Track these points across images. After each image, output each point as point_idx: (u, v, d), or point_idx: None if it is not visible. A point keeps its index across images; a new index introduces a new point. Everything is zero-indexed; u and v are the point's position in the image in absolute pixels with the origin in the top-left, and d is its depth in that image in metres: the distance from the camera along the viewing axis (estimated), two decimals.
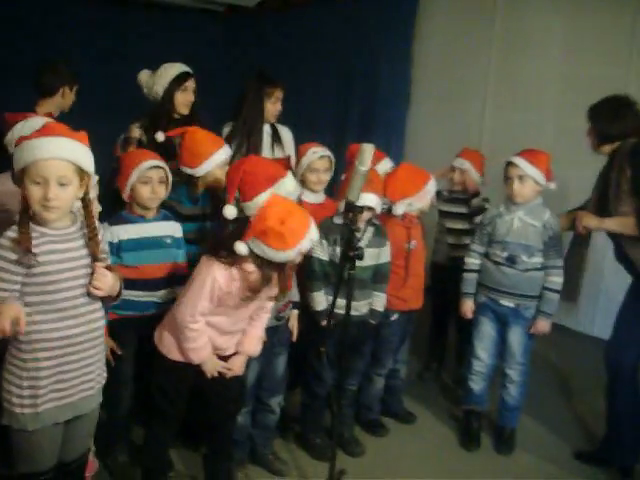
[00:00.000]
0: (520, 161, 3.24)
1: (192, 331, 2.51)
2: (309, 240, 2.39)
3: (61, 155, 1.97)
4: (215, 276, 2.42)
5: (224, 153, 3.06)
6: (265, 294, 2.50)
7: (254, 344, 2.73)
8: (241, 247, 2.35)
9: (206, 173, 3.00)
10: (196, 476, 3.01)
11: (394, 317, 3.37)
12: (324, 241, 3.05)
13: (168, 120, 3.59)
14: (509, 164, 3.29)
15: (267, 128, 3.92)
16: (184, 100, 3.66)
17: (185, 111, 3.68)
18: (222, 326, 2.59)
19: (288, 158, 3.50)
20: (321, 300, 3.08)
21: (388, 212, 3.34)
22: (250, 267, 2.42)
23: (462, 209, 4.06)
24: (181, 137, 3.08)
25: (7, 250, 1.95)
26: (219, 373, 2.67)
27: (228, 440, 2.91)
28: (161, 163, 2.82)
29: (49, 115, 2.98)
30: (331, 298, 2.74)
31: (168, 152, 3.10)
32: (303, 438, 3.36)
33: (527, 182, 3.23)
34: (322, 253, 3.06)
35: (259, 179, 2.63)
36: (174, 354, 2.61)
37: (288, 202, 2.46)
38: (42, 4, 6.90)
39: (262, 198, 2.53)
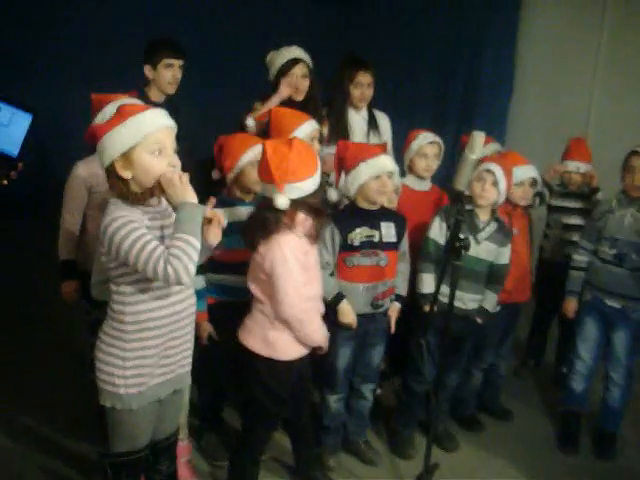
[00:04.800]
0: None
1: (306, 313, 2.45)
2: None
3: (169, 124, 2.01)
4: (289, 246, 2.37)
5: (309, 127, 3.03)
6: None
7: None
8: (280, 200, 2.30)
9: None
10: (287, 461, 3.03)
11: (496, 309, 3.26)
12: (444, 224, 3.00)
13: (283, 103, 3.50)
14: (634, 154, 3.12)
15: (364, 113, 3.85)
16: (292, 87, 3.57)
17: (297, 97, 3.59)
18: (317, 295, 2.55)
19: (384, 145, 3.44)
20: (429, 283, 3.02)
21: None
22: (300, 216, 2.38)
23: (578, 204, 3.88)
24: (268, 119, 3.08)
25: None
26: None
27: (311, 426, 2.88)
28: None
29: (132, 95, 2.97)
30: (445, 289, 2.67)
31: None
32: (393, 431, 3.32)
33: None
34: (439, 236, 3.01)
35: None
36: (292, 351, 2.51)
37: (274, 141, 2.42)
38: None
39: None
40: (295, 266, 2.38)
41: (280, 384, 2.54)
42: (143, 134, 1.93)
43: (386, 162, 2.83)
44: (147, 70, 3.45)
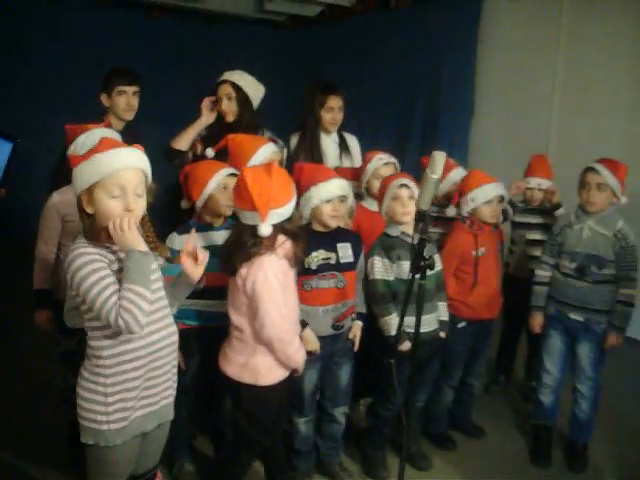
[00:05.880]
0: (602, 169, 3.13)
1: (287, 333, 2.44)
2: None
3: (137, 164, 1.99)
4: (270, 267, 2.38)
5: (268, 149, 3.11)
6: None
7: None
8: (264, 229, 2.32)
9: None
10: None
11: (461, 325, 3.29)
12: (386, 260, 2.97)
13: (221, 131, 3.54)
14: (589, 170, 3.18)
15: (335, 137, 3.90)
16: (225, 107, 3.64)
17: (230, 118, 3.64)
18: (293, 314, 2.55)
19: (358, 170, 3.49)
20: (395, 323, 2.84)
21: (459, 218, 3.33)
22: (280, 239, 2.40)
23: (540, 219, 3.94)
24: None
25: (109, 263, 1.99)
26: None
27: (283, 451, 2.87)
28: (236, 171, 2.85)
29: (107, 125, 3.00)
30: (408, 319, 2.61)
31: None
32: (365, 453, 3.30)
33: (605, 191, 3.13)
34: (386, 273, 2.97)
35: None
36: (274, 375, 2.50)
37: (252, 169, 2.45)
38: (103, 16, 7.17)
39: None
40: (277, 286, 2.39)
41: (264, 411, 2.54)
42: (101, 175, 1.93)
43: (338, 186, 2.84)
44: (104, 99, 3.49)
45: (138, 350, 2.04)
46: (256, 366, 2.47)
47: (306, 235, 2.59)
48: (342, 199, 2.85)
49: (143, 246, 1.98)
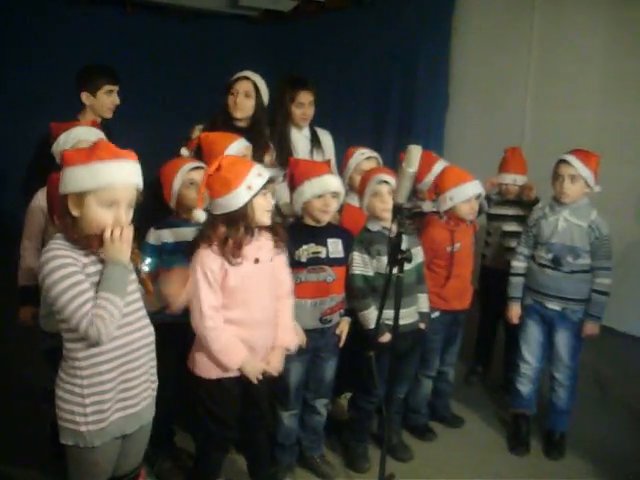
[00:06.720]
0: (574, 160, 3.18)
1: (210, 330, 2.40)
2: (255, 175, 2.35)
3: (133, 181, 1.99)
4: (202, 261, 2.37)
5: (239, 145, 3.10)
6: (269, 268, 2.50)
7: (288, 334, 2.63)
8: (197, 214, 2.36)
9: None
10: None
11: (435, 314, 3.30)
12: (365, 256, 2.99)
13: (227, 127, 3.51)
14: (561, 162, 3.23)
15: (306, 132, 3.90)
16: (232, 103, 3.60)
17: (238, 114, 3.60)
18: (245, 320, 2.47)
19: (328, 162, 3.49)
20: (374, 317, 2.88)
21: (436, 213, 3.35)
22: (221, 229, 2.38)
23: (515, 211, 3.98)
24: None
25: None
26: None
27: (267, 446, 2.88)
28: (201, 164, 2.86)
29: (93, 123, 3.01)
30: (387, 312, 2.67)
31: None
32: (346, 446, 3.33)
33: (578, 182, 3.17)
34: (365, 268, 3.00)
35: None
36: (211, 371, 2.50)
37: (226, 157, 2.46)
38: (76, 11, 7.11)
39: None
40: (202, 281, 2.38)
41: (220, 406, 2.55)
42: (98, 185, 1.91)
43: (330, 182, 2.87)
44: (84, 97, 3.45)
45: (113, 351, 2.03)
46: (201, 357, 2.50)
47: (298, 228, 2.66)
48: (334, 195, 2.88)
49: (127, 260, 2.00)
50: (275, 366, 2.58)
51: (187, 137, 3.54)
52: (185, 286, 2.34)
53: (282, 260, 2.62)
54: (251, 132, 3.48)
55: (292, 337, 2.66)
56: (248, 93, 3.58)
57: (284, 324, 2.63)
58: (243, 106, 3.59)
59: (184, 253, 2.50)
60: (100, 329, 1.90)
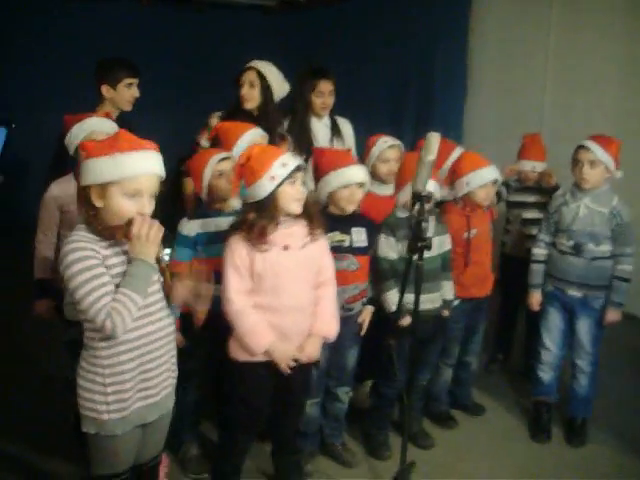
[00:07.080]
0: (593, 145, 3.16)
1: (236, 313, 2.45)
2: (279, 165, 2.38)
3: (156, 171, 2.01)
4: (231, 247, 2.43)
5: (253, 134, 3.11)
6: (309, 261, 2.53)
7: (326, 323, 2.60)
8: (232, 203, 2.46)
9: None
10: (265, 470, 3.04)
11: (455, 303, 3.29)
12: (391, 238, 3.02)
13: (242, 116, 3.51)
14: (580, 148, 3.21)
15: (326, 121, 3.91)
16: (245, 93, 3.62)
17: (248, 105, 3.63)
18: (274, 306, 2.48)
19: (349, 151, 3.49)
20: (395, 300, 2.91)
21: (453, 200, 3.34)
22: (250, 217, 2.43)
23: (535, 198, 3.95)
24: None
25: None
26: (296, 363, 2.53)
27: (294, 434, 2.91)
28: (228, 154, 2.88)
29: (107, 115, 3.01)
30: (408, 296, 2.69)
31: None
32: (367, 434, 3.34)
33: (598, 168, 3.15)
34: (390, 251, 3.02)
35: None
36: (241, 355, 2.53)
37: (256, 146, 2.54)
38: (93, 6, 7.14)
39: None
40: (230, 266, 2.44)
41: (250, 390, 2.58)
42: (122, 176, 1.93)
43: (357, 173, 2.88)
44: (105, 90, 3.46)
45: (133, 341, 2.04)
46: (233, 340, 2.54)
47: (323, 216, 2.63)
48: (360, 185, 2.89)
49: (153, 258, 2.01)
50: (309, 354, 2.56)
51: (205, 124, 3.58)
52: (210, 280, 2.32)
53: (321, 246, 2.60)
54: (262, 120, 3.49)
55: (331, 326, 2.63)
56: (252, 82, 3.61)
57: (323, 312, 2.60)
58: (250, 97, 3.62)
59: (222, 241, 2.54)
60: (116, 322, 1.91)
